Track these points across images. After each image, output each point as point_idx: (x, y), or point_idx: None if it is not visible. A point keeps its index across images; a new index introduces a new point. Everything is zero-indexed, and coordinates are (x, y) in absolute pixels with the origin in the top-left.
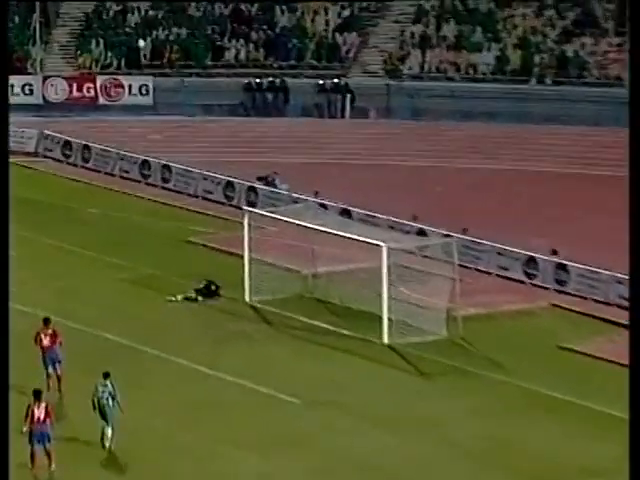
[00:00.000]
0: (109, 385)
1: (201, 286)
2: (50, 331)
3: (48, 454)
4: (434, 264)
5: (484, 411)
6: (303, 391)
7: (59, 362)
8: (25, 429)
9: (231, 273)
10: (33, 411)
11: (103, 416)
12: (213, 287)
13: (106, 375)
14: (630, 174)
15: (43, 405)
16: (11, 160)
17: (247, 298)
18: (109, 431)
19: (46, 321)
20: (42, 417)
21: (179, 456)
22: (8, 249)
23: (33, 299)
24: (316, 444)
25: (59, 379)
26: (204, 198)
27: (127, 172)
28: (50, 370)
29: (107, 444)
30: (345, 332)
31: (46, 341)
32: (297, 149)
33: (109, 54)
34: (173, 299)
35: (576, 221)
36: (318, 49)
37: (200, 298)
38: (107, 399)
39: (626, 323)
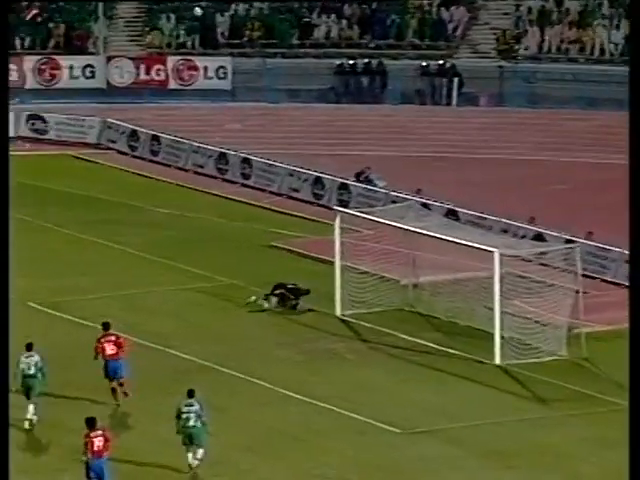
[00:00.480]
0: (195, 404)
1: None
2: (113, 338)
3: None
4: (554, 274)
5: (613, 442)
6: (403, 418)
7: (122, 375)
8: (84, 459)
9: (320, 282)
10: (92, 441)
11: (190, 440)
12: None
13: (191, 393)
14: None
15: (99, 433)
16: (70, 152)
17: (338, 312)
18: (200, 452)
19: (106, 326)
20: (99, 449)
21: None
22: (8, 249)
23: (95, 310)
24: (418, 479)
25: (125, 394)
26: (289, 197)
27: (201, 167)
28: (114, 384)
29: (194, 463)
30: (451, 351)
31: (109, 349)
32: (396, 140)
33: (182, 31)
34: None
35: None
36: (421, 26)
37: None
38: (195, 420)
39: None
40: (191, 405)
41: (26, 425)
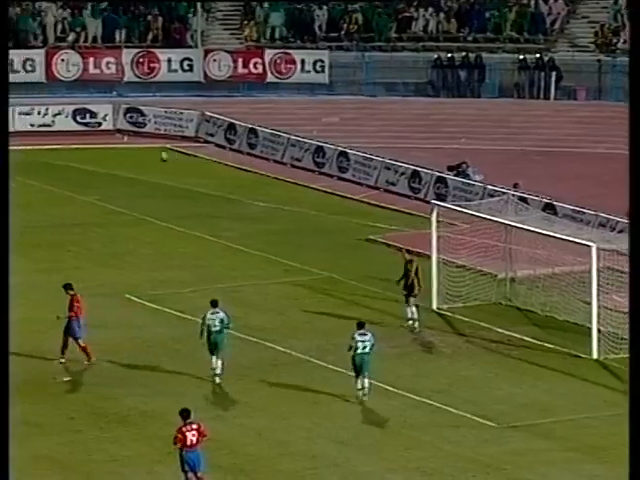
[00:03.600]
0: (368, 334)
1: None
2: (195, 426)
3: None
4: None
5: None
6: (498, 412)
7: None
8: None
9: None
10: (184, 434)
11: (361, 369)
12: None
13: (361, 325)
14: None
15: (195, 427)
16: (168, 145)
17: (435, 305)
18: (366, 381)
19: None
20: (194, 441)
21: None
22: (8, 248)
23: (193, 304)
24: (513, 474)
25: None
26: (386, 190)
27: (299, 160)
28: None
29: (360, 394)
30: (548, 346)
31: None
32: (493, 134)
33: (279, 25)
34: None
35: None
36: (519, 19)
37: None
38: (365, 350)
39: None
40: (364, 334)
41: (217, 380)
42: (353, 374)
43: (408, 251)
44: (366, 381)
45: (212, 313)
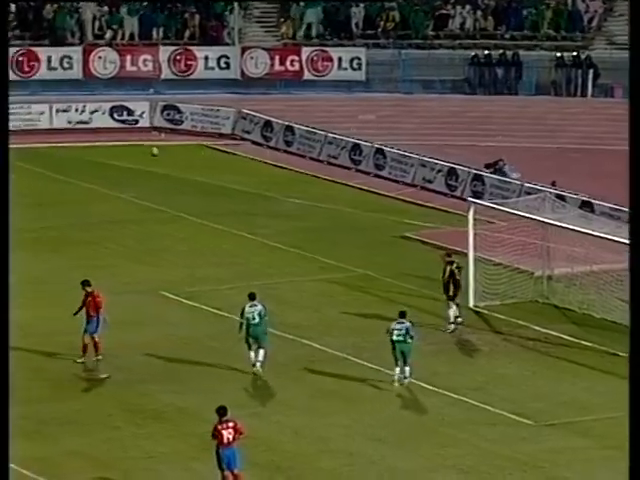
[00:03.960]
0: (406, 322)
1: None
2: (231, 424)
3: (236, 479)
4: None
5: None
6: (536, 411)
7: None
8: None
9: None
10: (220, 432)
11: (402, 356)
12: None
13: (402, 314)
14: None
15: (231, 424)
16: (204, 143)
17: (471, 303)
18: (407, 369)
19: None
20: (230, 439)
21: None
22: (8, 246)
23: (229, 301)
24: (551, 472)
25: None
26: (422, 188)
27: (335, 157)
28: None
29: (401, 378)
30: (586, 344)
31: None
32: (530, 132)
33: (316, 22)
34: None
35: None
36: (556, 17)
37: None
38: (404, 336)
39: None
40: (402, 323)
41: (256, 369)
42: (393, 364)
43: (448, 254)
44: (406, 369)
45: (250, 306)
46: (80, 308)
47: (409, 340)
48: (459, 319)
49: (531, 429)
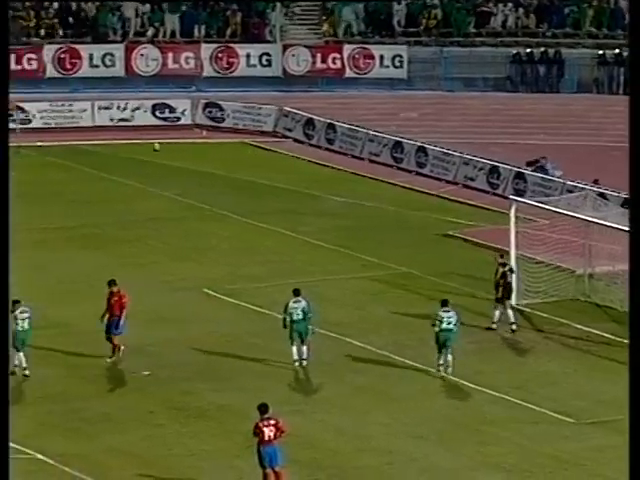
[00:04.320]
0: (451, 312)
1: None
2: (273, 422)
3: (278, 476)
4: None
5: None
6: (578, 409)
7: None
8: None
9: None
10: (262, 429)
11: (445, 343)
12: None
13: (445, 303)
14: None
15: (272, 422)
16: (246, 140)
17: (513, 301)
18: (449, 357)
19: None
20: (272, 436)
21: None
22: (8, 246)
23: (271, 298)
24: (593, 470)
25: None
26: (465, 185)
27: (377, 155)
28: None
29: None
30: (627, 342)
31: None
32: (572, 130)
33: (357, 20)
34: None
35: None
36: (598, 15)
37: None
38: (449, 324)
39: None
40: (448, 311)
41: (297, 364)
42: (436, 351)
43: (501, 255)
44: (449, 357)
45: (294, 302)
46: (107, 311)
47: (454, 328)
48: (514, 326)
49: (573, 427)
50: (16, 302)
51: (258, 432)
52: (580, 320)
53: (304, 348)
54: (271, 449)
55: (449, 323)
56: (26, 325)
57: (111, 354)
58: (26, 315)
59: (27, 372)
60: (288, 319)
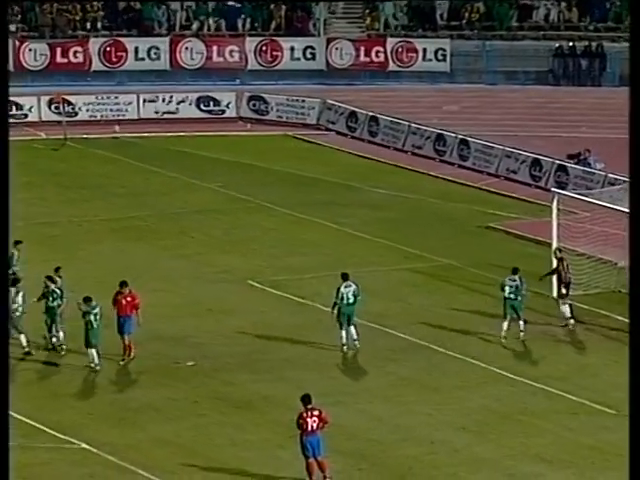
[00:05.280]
0: (517, 280)
1: None
2: (316, 412)
3: (320, 465)
4: None
5: None
6: (619, 400)
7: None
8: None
9: (536, 264)
10: (305, 420)
11: (513, 312)
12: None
13: (515, 270)
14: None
15: (316, 413)
16: (290, 133)
17: (555, 293)
18: (521, 324)
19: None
20: (314, 427)
21: (476, 472)
22: (8, 242)
23: (314, 290)
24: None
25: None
26: (506, 178)
27: (419, 148)
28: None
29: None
30: None
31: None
32: (614, 123)
33: (401, 14)
34: None
35: None
36: None
37: None
38: (514, 293)
39: None
40: (514, 280)
41: (345, 348)
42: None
43: (559, 249)
44: (521, 323)
45: (345, 286)
46: (120, 312)
47: (520, 297)
48: (571, 320)
49: (613, 418)
50: (87, 299)
51: (302, 423)
52: (621, 312)
53: (352, 330)
54: (314, 439)
55: (510, 292)
56: (96, 323)
57: (123, 355)
58: (97, 310)
59: (97, 367)
60: (340, 304)
